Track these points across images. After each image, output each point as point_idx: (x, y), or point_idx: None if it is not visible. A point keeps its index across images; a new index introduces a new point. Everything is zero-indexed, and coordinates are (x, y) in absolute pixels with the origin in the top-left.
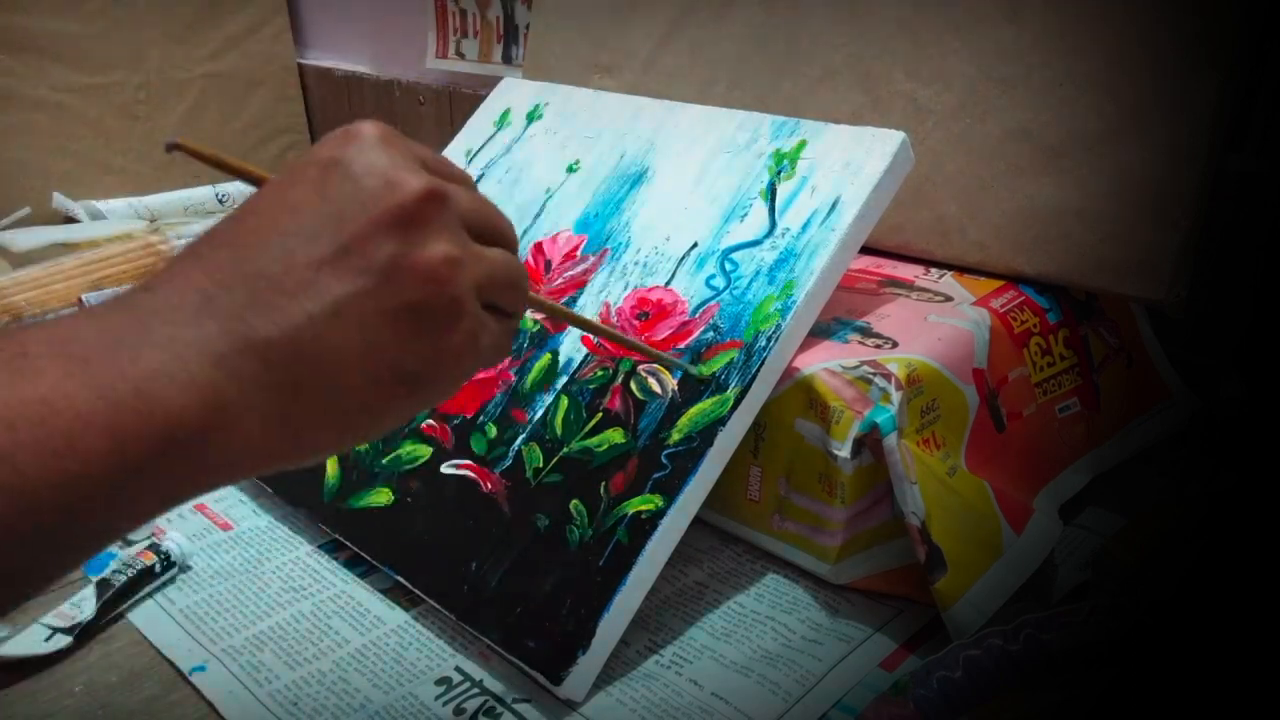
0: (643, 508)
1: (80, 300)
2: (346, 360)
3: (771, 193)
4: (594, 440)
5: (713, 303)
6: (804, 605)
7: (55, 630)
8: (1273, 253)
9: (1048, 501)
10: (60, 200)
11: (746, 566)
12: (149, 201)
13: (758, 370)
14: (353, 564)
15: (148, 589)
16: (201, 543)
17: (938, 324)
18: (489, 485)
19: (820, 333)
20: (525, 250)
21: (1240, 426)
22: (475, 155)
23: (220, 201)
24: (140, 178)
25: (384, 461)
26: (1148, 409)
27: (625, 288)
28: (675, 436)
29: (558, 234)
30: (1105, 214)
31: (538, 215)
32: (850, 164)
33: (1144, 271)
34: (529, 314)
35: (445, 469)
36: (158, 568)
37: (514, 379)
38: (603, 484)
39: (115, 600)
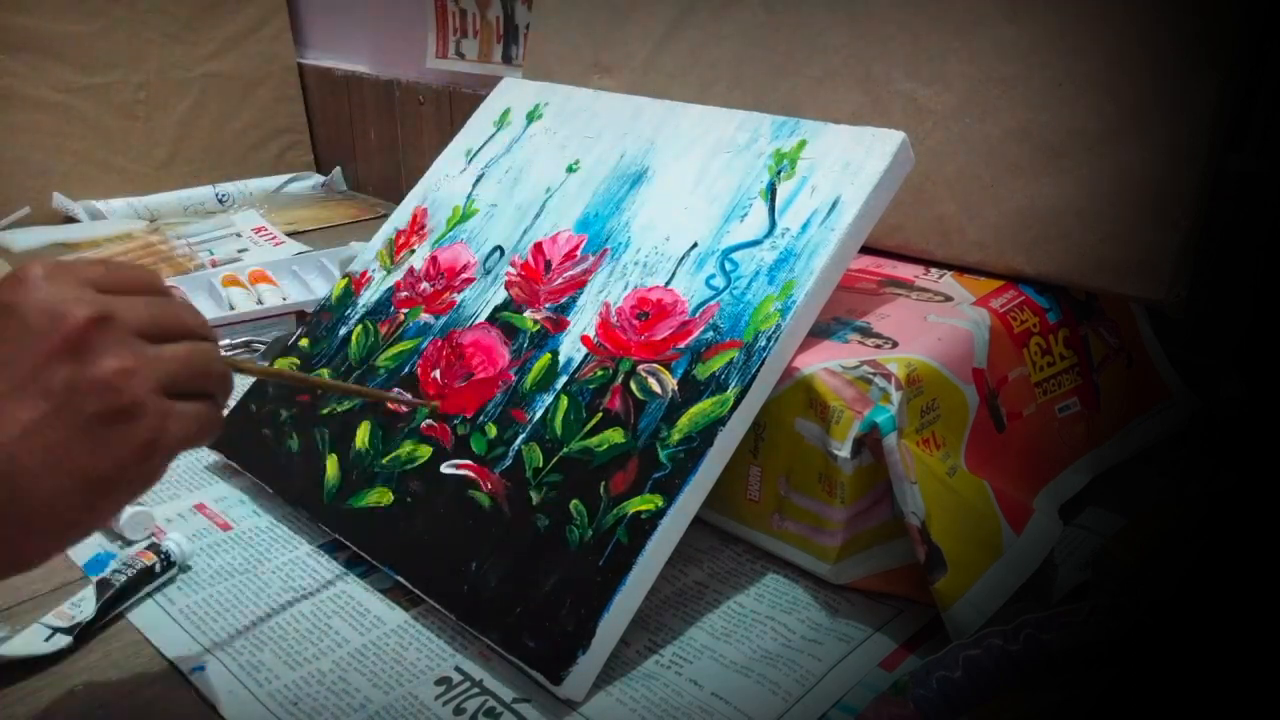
0: (643, 508)
1: None
2: (42, 476)
3: (771, 193)
4: (594, 440)
5: (713, 303)
6: (804, 605)
7: (55, 630)
8: (1273, 253)
9: (1048, 501)
10: (60, 200)
11: (746, 566)
12: (149, 201)
13: (758, 370)
14: (353, 564)
15: (148, 589)
16: (201, 543)
17: (937, 324)
18: (489, 485)
19: (820, 333)
20: (525, 250)
21: (1240, 426)
22: (475, 155)
23: (220, 201)
24: (140, 177)
25: (384, 461)
26: (1148, 409)
27: (625, 287)
28: (675, 436)
29: (558, 234)
30: (1105, 214)
31: (538, 215)
32: (850, 164)
33: (1144, 271)
34: (528, 315)
35: (445, 469)
36: (158, 568)
37: (514, 379)
38: (602, 484)
39: (115, 600)
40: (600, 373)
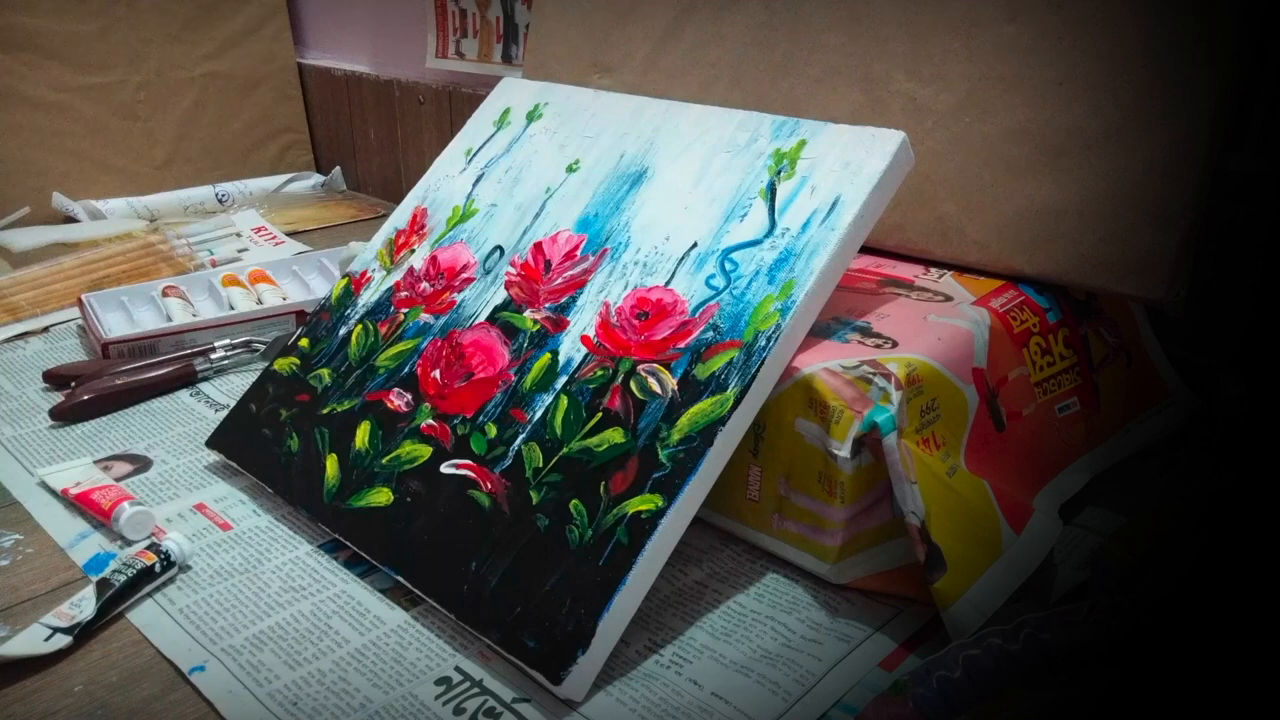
0: (642, 507)
1: (80, 300)
2: None
3: (771, 192)
4: (594, 440)
5: (713, 302)
6: (804, 605)
7: (55, 630)
8: (1273, 252)
9: (1047, 501)
10: (60, 200)
11: (746, 566)
12: (148, 201)
13: (757, 370)
14: (353, 564)
15: (147, 589)
16: (201, 543)
17: (937, 324)
18: (489, 485)
19: (820, 332)
20: (525, 250)
21: (1240, 426)
22: (475, 155)
23: (220, 201)
24: (140, 177)
25: (384, 461)
26: (1147, 408)
27: (625, 287)
28: (675, 436)
29: (557, 234)
30: (1105, 214)
31: (538, 215)
32: (850, 164)
33: (1143, 271)
34: (528, 315)
35: (445, 469)
36: (157, 568)
37: (514, 379)
38: (602, 484)
39: (115, 600)
40: (600, 372)
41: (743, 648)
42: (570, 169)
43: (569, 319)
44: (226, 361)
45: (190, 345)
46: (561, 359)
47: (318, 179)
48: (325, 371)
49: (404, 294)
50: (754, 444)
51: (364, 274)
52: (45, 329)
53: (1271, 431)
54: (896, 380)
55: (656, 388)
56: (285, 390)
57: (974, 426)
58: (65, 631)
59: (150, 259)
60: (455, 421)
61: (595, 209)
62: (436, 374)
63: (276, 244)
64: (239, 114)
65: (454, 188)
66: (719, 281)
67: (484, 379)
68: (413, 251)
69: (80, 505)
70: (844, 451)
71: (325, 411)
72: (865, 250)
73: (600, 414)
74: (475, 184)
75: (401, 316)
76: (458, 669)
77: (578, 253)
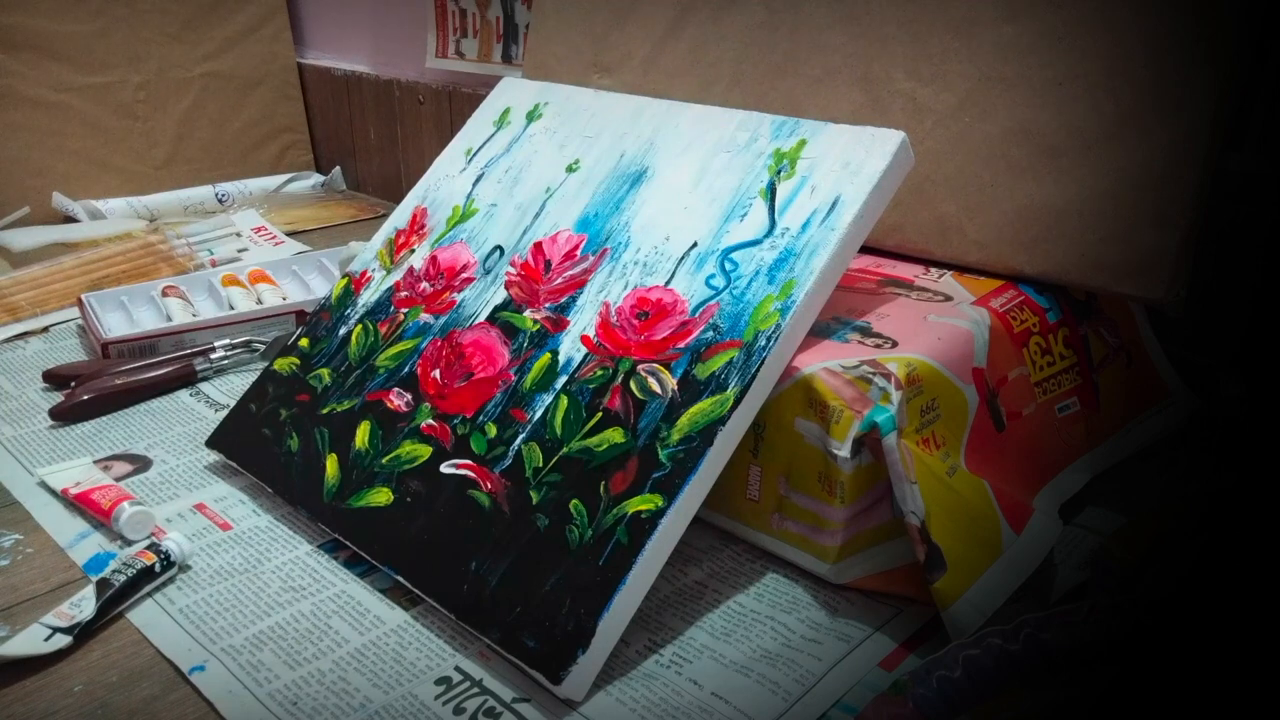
0: (642, 507)
1: (80, 300)
2: None
3: (771, 192)
4: (594, 440)
5: (712, 302)
6: (804, 605)
7: (55, 630)
8: (1273, 252)
9: (1047, 501)
10: (60, 200)
11: (746, 566)
12: (148, 201)
13: (757, 370)
14: (352, 564)
15: (147, 589)
16: (201, 542)
17: (937, 323)
18: (489, 485)
19: (820, 332)
20: (525, 250)
21: (1240, 426)
22: (475, 155)
23: (220, 201)
24: (140, 177)
25: (384, 461)
26: (1147, 408)
27: (625, 287)
28: (675, 436)
29: (557, 233)
30: (1105, 214)
31: (537, 215)
32: (850, 163)
33: (1143, 271)
34: (528, 315)
35: (445, 469)
36: (157, 567)
37: (513, 379)
38: (602, 484)
39: (115, 600)
40: (600, 372)
41: (743, 648)
42: (570, 169)
43: (569, 319)
44: (226, 361)
45: (190, 345)
46: (561, 359)
47: (318, 179)
48: (325, 371)
49: (404, 294)
50: (754, 444)
51: (364, 274)
52: (45, 329)
53: (1271, 431)
54: (896, 380)
55: (656, 388)
56: (285, 390)
57: (974, 426)
58: (65, 631)
59: (150, 259)
60: (455, 421)
61: (595, 209)
62: (436, 374)
63: (276, 244)
64: (239, 114)
65: (454, 187)
66: (719, 281)
67: (484, 379)
68: (413, 251)
69: (80, 505)
70: (844, 451)
71: (325, 411)
72: (865, 250)
73: (600, 414)
74: (475, 184)
75: (401, 316)
76: (458, 669)
77: (578, 252)
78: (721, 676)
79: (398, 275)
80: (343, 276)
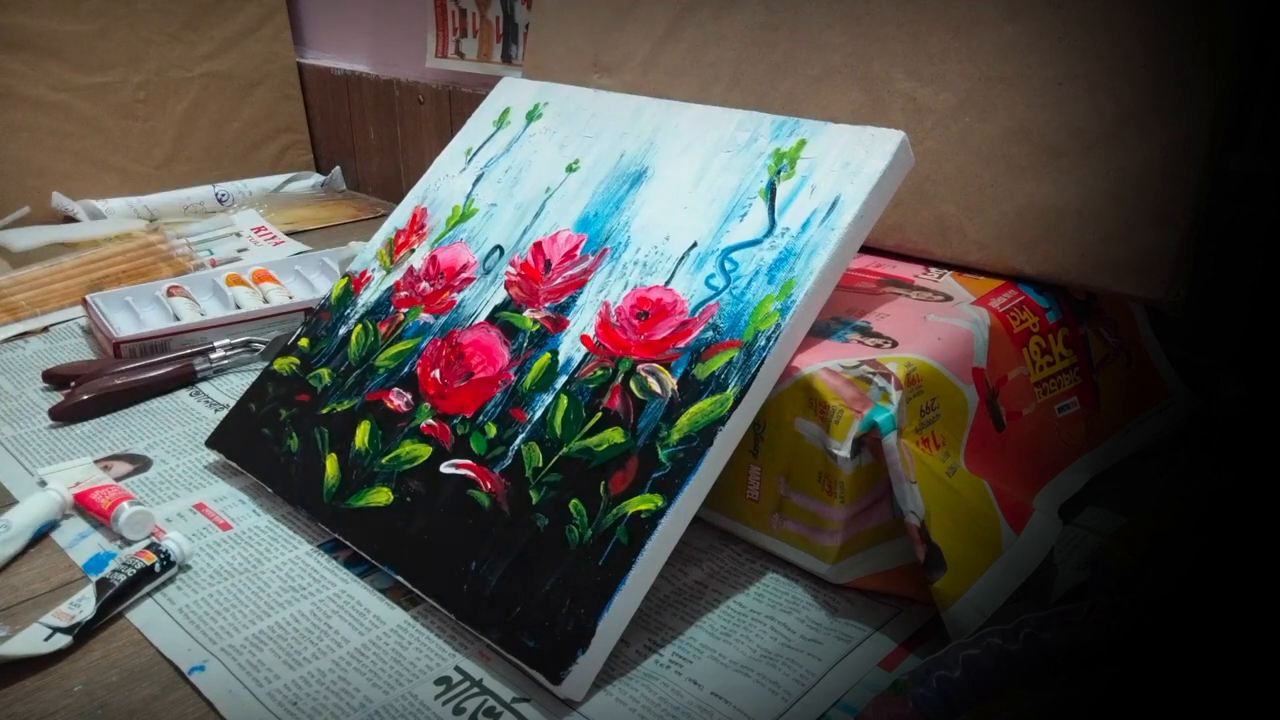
0: (642, 507)
1: (85, 300)
2: None
3: (771, 192)
4: (593, 440)
5: (712, 302)
6: (803, 605)
7: (55, 630)
8: (1273, 252)
9: (1047, 501)
10: (60, 199)
11: (746, 566)
12: (148, 201)
13: (757, 370)
14: (352, 564)
15: (147, 589)
16: (201, 542)
17: (937, 323)
18: (488, 485)
19: (820, 332)
20: (525, 250)
21: (1240, 426)
22: (475, 155)
23: (220, 201)
24: (139, 177)
25: (383, 461)
26: (1147, 408)
27: (625, 287)
28: (675, 436)
29: (557, 233)
30: (1105, 214)
31: (537, 215)
32: (850, 163)
33: (1144, 271)
34: (528, 315)
35: (445, 469)
36: (157, 567)
37: (513, 379)
38: (602, 483)
39: (115, 600)
40: (600, 372)
41: (742, 647)
42: (570, 169)
43: (569, 319)
44: (226, 361)
45: (200, 344)
46: (561, 359)
47: (317, 179)
48: (325, 371)
49: (404, 294)
50: (754, 444)
51: (364, 274)
52: (45, 329)
53: (1271, 431)
54: (896, 380)
55: (656, 387)
56: (285, 390)
57: (974, 426)
58: (65, 631)
59: (150, 259)
60: (455, 421)
61: (595, 209)
62: (436, 374)
63: (276, 244)
64: (239, 114)
65: (454, 187)
66: (719, 281)
67: (484, 379)
68: (412, 251)
69: (80, 505)
70: (844, 451)
71: (325, 411)
72: (865, 250)
73: (600, 414)
74: (475, 184)
75: (401, 316)
76: (457, 669)
77: (577, 252)
78: (721, 676)
79: (397, 275)
80: (342, 276)
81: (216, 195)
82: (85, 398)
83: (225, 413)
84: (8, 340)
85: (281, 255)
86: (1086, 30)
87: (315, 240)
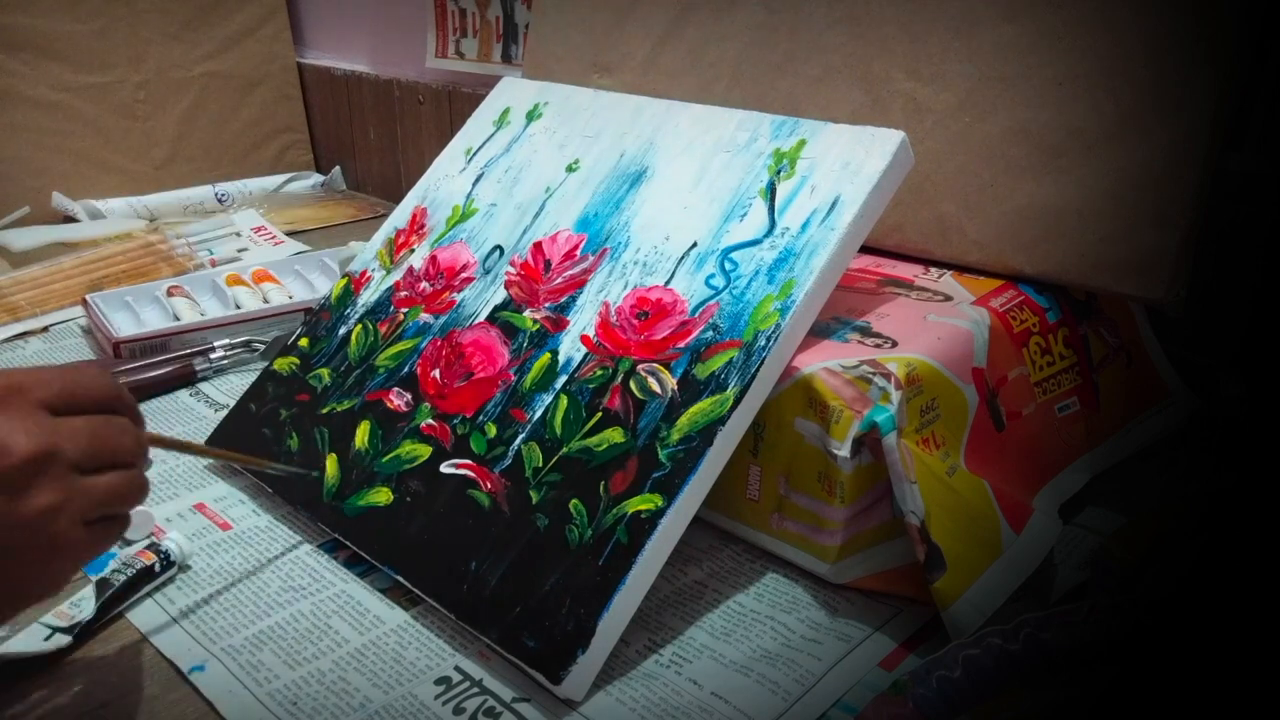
0: (642, 507)
1: (85, 300)
2: None
3: (771, 192)
4: (593, 440)
5: (712, 302)
6: (803, 605)
7: (55, 630)
8: (1273, 252)
9: (1047, 501)
10: (60, 199)
11: (746, 566)
12: (148, 201)
13: (757, 370)
14: (352, 564)
15: (147, 588)
16: (201, 542)
17: (937, 323)
18: (488, 485)
19: (820, 332)
20: (525, 250)
21: (1240, 426)
22: (475, 154)
23: (219, 201)
24: (139, 177)
25: (383, 461)
26: (1147, 408)
27: (625, 287)
28: (675, 436)
29: (557, 233)
30: (1105, 213)
31: (537, 214)
32: (850, 163)
33: (1143, 271)
34: (528, 315)
35: (445, 469)
36: (157, 567)
37: (513, 379)
38: (602, 483)
39: (115, 600)
40: (600, 372)
41: (742, 647)
42: (570, 168)
43: (569, 318)
44: (226, 361)
45: (200, 344)
46: (561, 358)
47: (317, 179)
48: (325, 371)
49: (404, 294)
50: (754, 444)
51: (364, 274)
52: (45, 329)
53: (1271, 431)
54: (896, 380)
55: (656, 387)
56: (285, 390)
57: (974, 426)
58: (65, 631)
59: (150, 259)
60: (455, 421)
61: (595, 208)
62: (436, 374)
63: (276, 244)
64: (239, 114)
65: (454, 187)
66: (719, 281)
67: (484, 379)
68: (412, 251)
69: None
70: (844, 451)
71: (325, 411)
72: (865, 250)
73: (600, 414)
74: (475, 184)
75: (401, 316)
76: (457, 669)
77: (577, 252)
78: (721, 676)
79: (397, 275)
80: (342, 276)
81: (216, 195)
82: None
83: (225, 413)
84: (8, 340)
85: (281, 255)
86: (1086, 30)
87: (315, 240)
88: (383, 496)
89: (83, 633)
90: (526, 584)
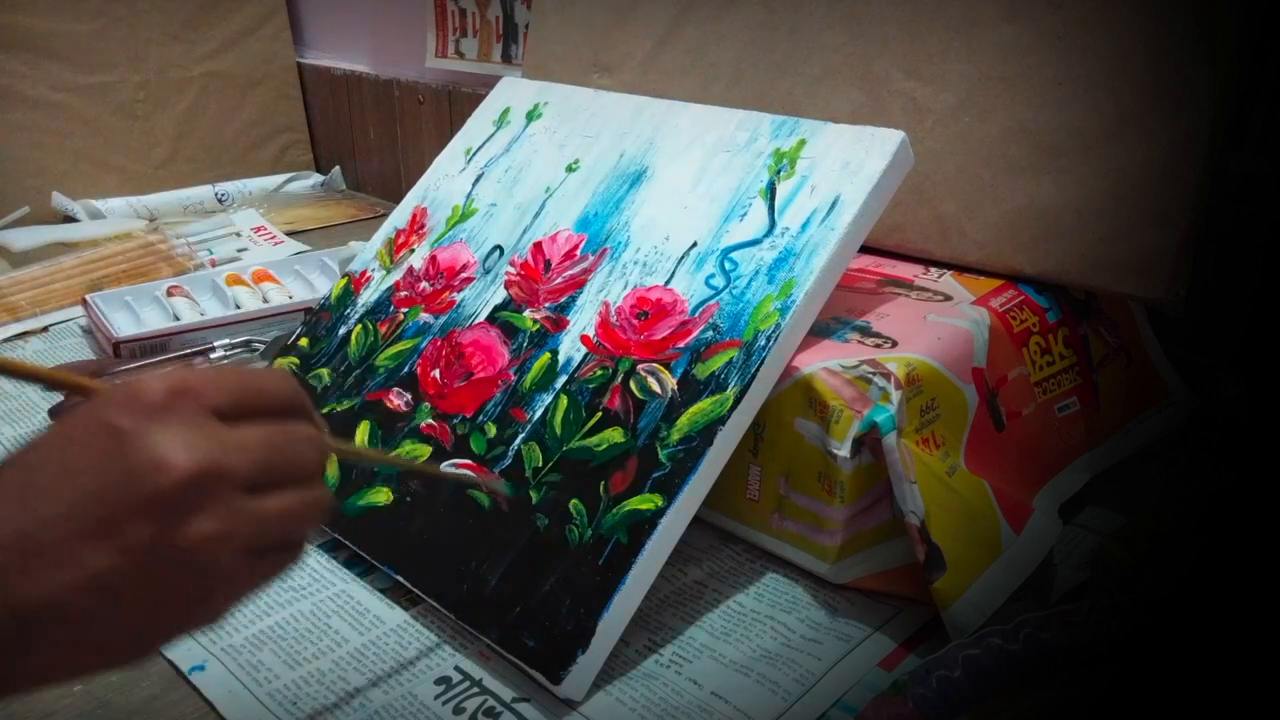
0: (642, 507)
1: (85, 300)
2: (95, 624)
3: (771, 192)
4: (593, 440)
5: (712, 302)
6: (803, 604)
7: None
8: (1273, 252)
9: (1047, 501)
10: (59, 199)
11: (746, 566)
12: (148, 201)
13: (757, 370)
14: (352, 563)
15: None
16: None
17: (937, 323)
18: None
19: (820, 332)
20: (525, 249)
21: (1240, 426)
22: (475, 154)
23: (219, 200)
24: (139, 177)
25: None
26: (1147, 408)
27: (625, 287)
28: (675, 436)
29: (557, 233)
30: (1105, 213)
31: (537, 214)
32: (850, 163)
33: (1143, 271)
34: (528, 314)
35: (445, 468)
36: None
37: (513, 379)
38: (602, 483)
39: None
40: (600, 372)
41: (742, 647)
42: (570, 168)
43: (569, 318)
44: (226, 361)
45: (200, 344)
46: (561, 358)
47: (317, 178)
48: (325, 371)
49: (403, 293)
50: (754, 443)
51: (363, 273)
52: (45, 329)
53: (1271, 431)
54: (896, 380)
55: (656, 387)
56: None
57: (974, 426)
58: None
59: (150, 259)
60: (455, 421)
61: (595, 208)
62: (436, 373)
63: (276, 244)
64: (239, 114)
65: (453, 187)
66: (719, 281)
67: (483, 378)
68: (412, 251)
69: None
70: (844, 451)
71: (325, 411)
72: (865, 250)
73: (600, 413)
74: (475, 183)
75: (401, 316)
76: (457, 668)
77: (577, 252)
78: (721, 676)
79: (397, 275)
80: (342, 276)
81: (216, 195)
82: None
83: None
84: (8, 340)
85: (281, 255)
86: (1086, 30)
87: (315, 240)
88: (383, 496)
89: None
90: (526, 584)
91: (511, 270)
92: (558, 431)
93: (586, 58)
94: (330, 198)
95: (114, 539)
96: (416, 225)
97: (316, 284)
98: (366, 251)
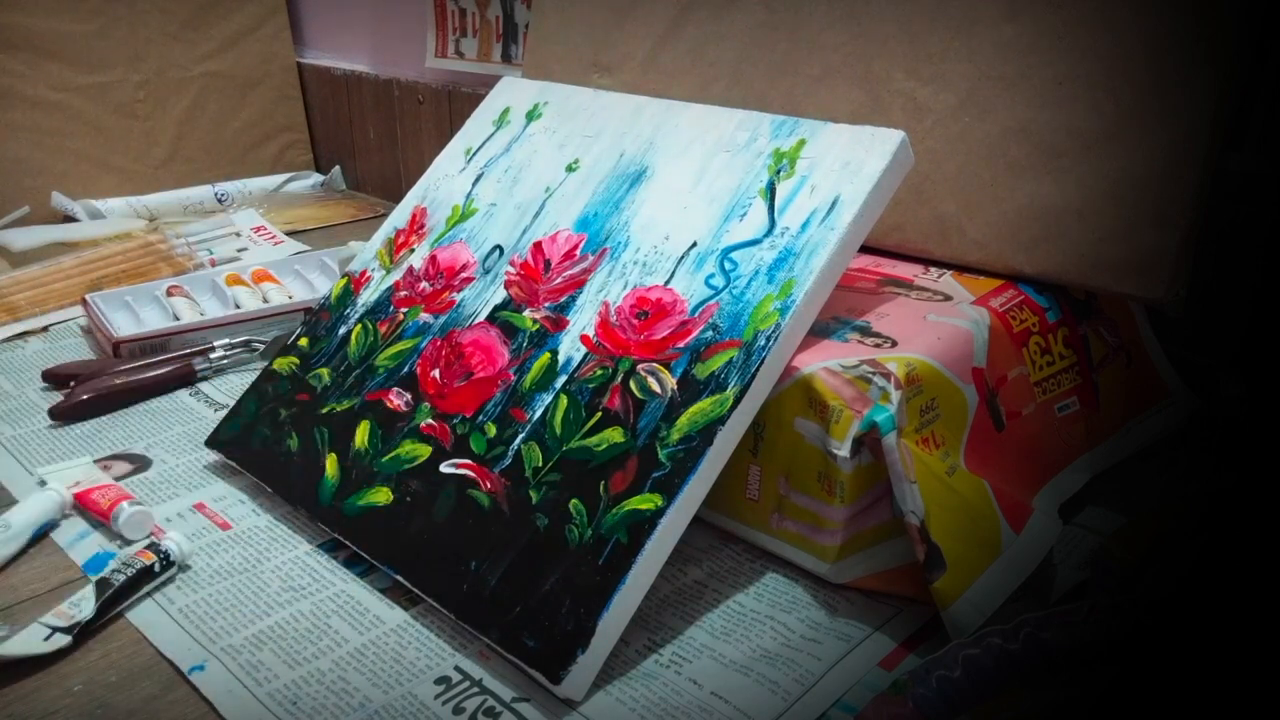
0: (642, 507)
1: (85, 300)
2: None
3: (771, 192)
4: (593, 439)
5: (712, 302)
6: (803, 604)
7: (55, 630)
8: (1273, 252)
9: (1047, 500)
10: (59, 199)
11: (746, 566)
12: (148, 200)
13: (757, 369)
14: (352, 563)
15: (147, 588)
16: (200, 542)
17: (937, 323)
18: (488, 484)
19: (820, 332)
20: (525, 249)
21: (1240, 426)
22: (474, 154)
23: (219, 200)
24: (139, 177)
25: (383, 461)
26: (1147, 408)
27: (624, 287)
28: (675, 436)
29: (557, 233)
30: (1105, 213)
31: (537, 214)
32: (850, 163)
33: (1143, 271)
34: (528, 314)
35: (444, 468)
36: (157, 567)
37: (513, 378)
38: (602, 483)
39: (114, 600)
40: (600, 372)
41: (742, 647)
42: (570, 168)
43: (568, 318)
44: (226, 361)
45: (200, 344)
46: (561, 358)
47: (317, 178)
48: (325, 371)
49: (403, 293)
50: (753, 443)
51: (363, 273)
52: (45, 328)
53: (1271, 431)
54: (896, 380)
55: (656, 387)
56: (285, 389)
57: (973, 426)
58: (65, 631)
59: (150, 258)
60: (455, 421)
61: (595, 208)
62: (436, 373)
63: (276, 243)
64: (238, 114)
65: (453, 187)
66: (718, 281)
67: (483, 378)
68: (412, 251)
69: (79, 504)
70: (843, 451)
71: (325, 411)
72: (865, 250)
73: (600, 413)
74: (475, 183)
75: (401, 316)
76: (457, 668)
77: (577, 252)
78: (721, 676)
79: (397, 275)
80: (342, 276)
81: (216, 195)
82: (85, 397)
83: (225, 412)
84: (8, 340)
85: (281, 255)
86: (1086, 30)
87: (315, 240)
88: (382, 496)
89: (82, 633)
90: (526, 584)
91: (511, 270)
92: (557, 431)
93: (586, 58)
94: (330, 198)
95: None
96: (416, 225)
97: (316, 284)
98: (366, 251)
